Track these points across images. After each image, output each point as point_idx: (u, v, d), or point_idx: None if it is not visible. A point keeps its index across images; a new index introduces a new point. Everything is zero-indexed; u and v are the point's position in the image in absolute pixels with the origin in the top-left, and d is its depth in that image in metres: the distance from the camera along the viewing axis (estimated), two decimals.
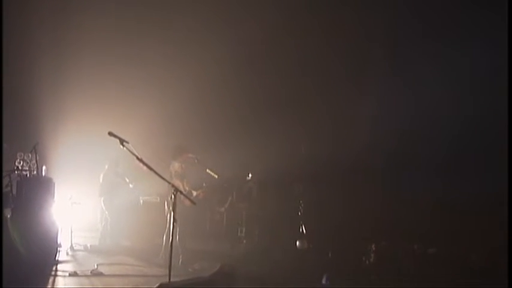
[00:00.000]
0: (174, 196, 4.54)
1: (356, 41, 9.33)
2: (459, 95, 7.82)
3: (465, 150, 7.76)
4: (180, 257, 7.01)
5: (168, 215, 6.86)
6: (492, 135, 6.71)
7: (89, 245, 8.55)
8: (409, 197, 8.05)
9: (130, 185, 9.01)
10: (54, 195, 7.10)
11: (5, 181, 6.36)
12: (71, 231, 8.16)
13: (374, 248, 7.19)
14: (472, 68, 7.77)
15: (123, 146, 4.47)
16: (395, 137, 8.33)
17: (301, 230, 8.50)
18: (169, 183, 4.83)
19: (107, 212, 8.85)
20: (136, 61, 9.87)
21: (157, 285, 4.36)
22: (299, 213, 8.65)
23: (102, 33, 9.65)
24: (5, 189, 6.25)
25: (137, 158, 4.51)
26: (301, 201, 8.67)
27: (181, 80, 9.35)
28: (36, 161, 6.86)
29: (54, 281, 6.00)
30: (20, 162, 6.66)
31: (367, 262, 7.14)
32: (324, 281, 5.95)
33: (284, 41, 9.64)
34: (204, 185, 7.82)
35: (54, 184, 7.10)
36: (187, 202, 6.30)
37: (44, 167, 7.26)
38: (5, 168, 6.35)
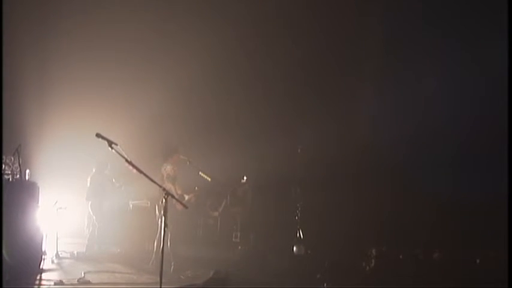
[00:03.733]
0: (165, 200, 4.50)
1: (358, 38, 9.37)
2: (466, 94, 7.87)
3: (471, 152, 7.79)
4: (172, 263, 7.00)
5: (159, 220, 6.83)
6: (499, 137, 6.74)
7: (75, 252, 8.50)
8: (411, 200, 8.07)
9: (120, 189, 8.97)
10: (38, 200, 7.03)
11: None
12: (57, 238, 8.11)
13: (374, 253, 7.18)
14: (481, 64, 7.82)
15: (112, 148, 4.43)
16: (397, 138, 8.35)
17: (298, 234, 8.50)
18: (160, 186, 4.79)
19: (94, 217, 8.81)
20: (125, 59, 9.84)
21: None
22: (296, 217, 8.65)
23: (89, 33, 9.64)
24: None
25: (126, 160, 4.48)
26: (298, 205, 8.67)
27: (173, 78, 9.33)
28: (19, 164, 6.78)
29: None
30: (1, 166, 6.59)
31: (367, 268, 7.13)
32: None
33: (281, 38, 9.66)
34: (196, 188, 7.81)
35: (38, 188, 7.03)
36: (179, 206, 6.35)
37: (27, 171, 7.17)
38: None
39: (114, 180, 8.95)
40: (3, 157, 6.64)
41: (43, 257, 7.29)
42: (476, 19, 8.04)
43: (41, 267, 6.99)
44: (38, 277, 6.57)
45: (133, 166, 4.52)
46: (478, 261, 6.34)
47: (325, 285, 6.01)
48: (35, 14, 9.31)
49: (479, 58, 7.83)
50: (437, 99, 8.32)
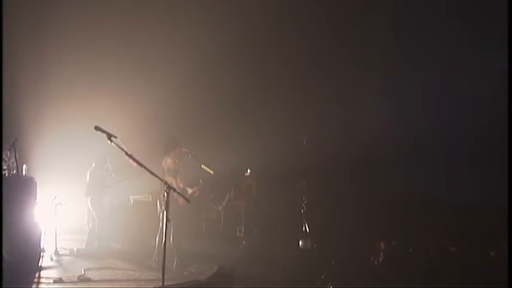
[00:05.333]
0: (167, 194, 4.52)
1: (365, 29, 9.29)
2: (473, 91, 7.81)
3: (482, 146, 7.73)
4: (175, 259, 6.99)
5: (161, 215, 6.81)
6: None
7: (75, 249, 8.49)
8: (422, 194, 8.00)
9: (120, 183, 8.94)
10: (36, 196, 7.01)
11: None
12: (56, 235, 8.08)
13: (383, 247, 7.13)
14: (487, 63, 7.76)
15: (111, 141, 4.44)
16: (408, 130, 8.29)
17: (304, 228, 8.47)
18: (161, 180, 4.78)
19: (94, 213, 8.77)
20: (125, 50, 9.77)
21: None
22: (302, 211, 8.61)
23: (88, 22, 9.58)
24: None
25: (126, 153, 4.48)
26: (304, 198, 8.63)
27: (173, 67, 9.26)
28: (16, 159, 6.76)
29: None
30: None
31: (375, 262, 7.09)
32: None
33: (286, 26, 9.56)
34: (200, 181, 7.77)
35: (36, 184, 7.01)
36: (181, 200, 6.34)
37: (24, 166, 7.16)
38: None
39: (114, 174, 8.90)
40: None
41: (42, 254, 7.28)
42: (485, 17, 7.98)
43: (39, 264, 6.99)
44: (37, 275, 6.55)
45: (134, 159, 4.51)
46: (492, 254, 6.27)
47: (331, 283, 5.97)
48: (31, 2, 9.23)
49: (485, 58, 7.78)
50: (445, 94, 8.26)
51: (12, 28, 8.82)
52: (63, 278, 6.25)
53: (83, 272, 6.51)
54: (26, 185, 6.82)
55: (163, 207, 5.98)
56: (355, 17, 9.38)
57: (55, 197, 8.10)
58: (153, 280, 6.20)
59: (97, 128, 4.41)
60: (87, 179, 8.84)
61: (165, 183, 4.63)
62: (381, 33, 9.33)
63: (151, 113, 9.59)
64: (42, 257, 7.31)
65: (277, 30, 9.60)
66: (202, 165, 7.48)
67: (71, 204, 8.73)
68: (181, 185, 7.23)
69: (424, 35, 8.70)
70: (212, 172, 7.55)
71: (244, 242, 8.81)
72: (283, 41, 9.70)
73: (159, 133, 8.80)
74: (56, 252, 7.99)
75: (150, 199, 8.71)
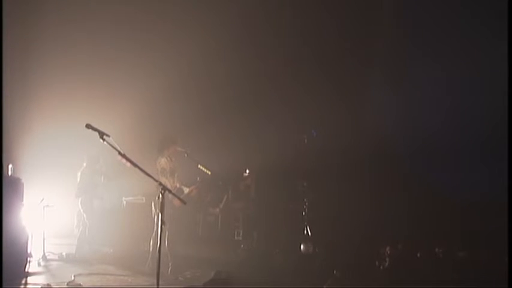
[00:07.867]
0: (162, 195, 4.46)
1: (370, 23, 9.29)
2: (488, 84, 7.81)
3: (496, 145, 7.71)
4: (170, 264, 6.97)
5: (155, 217, 6.80)
6: None
7: (64, 254, 8.44)
8: (430, 195, 8.00)
9: (112, 185, 8.91)
10: (22, 198, 6.98)
11: None
12: (43, 239, 8.04)
13: (389, 252, 7.13)
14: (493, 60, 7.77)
15: (103, 139, 4.37)
16: (415, 129, 8.29)
17: (305, 232, 8.47)
18: (156, 181, 4.73)
19: (84, 216, 8.73)
20: (116, 45, 9.72)
21: None
22: (303, 214, 8.63)
23: (79, 13, 9.55)
24: None
25: (119, 153, 4.42)
26: (305, 200, 8.64)
27: (170, 64, 9.23)
28: (1, 159, 6.71)
29: None
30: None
31: (381, 267, 7.08)
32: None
33: (285, 19, 9.54)
34: (198, 179, 7.73)
35: (22, 185, 6.98)
36: (177, 202, 6.29)
37: (10, 166, 7.13)
38: None
39: (106, 175, 8.87)
40: None
41: (29, 259, 7.27)
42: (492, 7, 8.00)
43: (26, 270, 6.97)
44: (24, 281, 6.54)
45: (127, 159, 4.47)
46: (506, 259, 6.23)
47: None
48: (18, 5, 9.16)
49: (489, 56, 7.80)
50: (463, 87, 8.26)
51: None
52: (51, 285, 6.21)
53: (72, 278, 6.49)
54: (12, 185, 6.78)
55: (157, 210, 5.97)
56: (359, 12, 9.37)
57: (43, 199, 8.07)
58: (147, 286, 6.30)
59: (88, 126, 4.35)
60: (78, 179, 8.80)
61: (160, 184, 4.58)
62: (386, 27, 9.34)
63: (146, 111, 9.56)
64: (29, 262, 7.29)
65: (277, 26, 9.58)
66: (199, 165, 7.43)
67: (59, 206, 8.70)
68: (177, 185, 7.21)
69: (431, 29, 8.71)
70: (209, 173, 7.51)
71: (242, 245, 8.82)
72: (283, 37, 9.69)
73: (154, 132, 8.76)
74: (44, 257, 7.95)
75: (144, 201, 8.70)
